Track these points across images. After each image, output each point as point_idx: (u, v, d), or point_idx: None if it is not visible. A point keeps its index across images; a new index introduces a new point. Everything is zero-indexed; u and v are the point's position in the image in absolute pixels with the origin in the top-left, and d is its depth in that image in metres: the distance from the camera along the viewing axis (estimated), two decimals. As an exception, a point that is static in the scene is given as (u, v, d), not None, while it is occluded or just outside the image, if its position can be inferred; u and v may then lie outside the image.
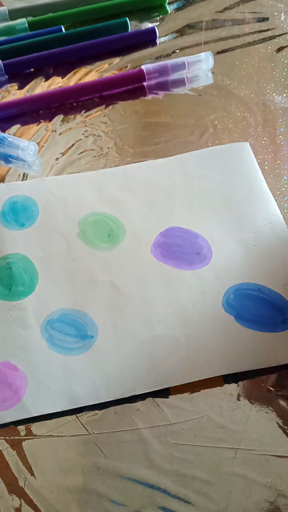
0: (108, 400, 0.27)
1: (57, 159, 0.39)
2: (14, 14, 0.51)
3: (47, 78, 0.45)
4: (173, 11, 0.51)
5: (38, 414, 0.27)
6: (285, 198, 0.35)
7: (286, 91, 0.42)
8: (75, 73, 0.46)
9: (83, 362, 0.29)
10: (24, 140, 0.38)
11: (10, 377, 0.28)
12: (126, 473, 0.25)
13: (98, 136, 0.40)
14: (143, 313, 0.30)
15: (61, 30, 0.48)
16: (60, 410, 0.27)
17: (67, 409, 0.27)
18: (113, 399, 0.27)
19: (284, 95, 0.42)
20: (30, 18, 0.50)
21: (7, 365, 0.29)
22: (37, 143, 0.40)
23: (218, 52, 0.46)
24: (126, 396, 0.27)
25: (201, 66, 0.43)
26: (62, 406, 0.27)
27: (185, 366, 0.28)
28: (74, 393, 0.28)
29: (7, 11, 0.50)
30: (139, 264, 0.32)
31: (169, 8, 0.51)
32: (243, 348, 0.29)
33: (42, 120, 0.42)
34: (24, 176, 0.38)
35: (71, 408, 0.27)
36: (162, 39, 0.48)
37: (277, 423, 0.26)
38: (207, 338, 0.29)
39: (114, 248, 0.33)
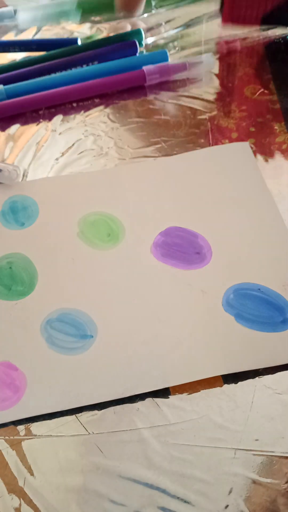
0: (108, 400, 0.27)
1: (57, 159, 0.39)
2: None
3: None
4: (173, 9, 0.51)
5: (37, 414, 0.27)
6: (285, 198, 0.35)
7: (286, 91, 0.42)
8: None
9: (83, 362, 0.29)
10: (7, 165, 0.37)
11: (10, 376, 0.28)
12: (126, 473, 0.25)
13: (98, 136, 0.40)
14: (142, 312, 0.30)
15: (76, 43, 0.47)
16: (59, 410, 0.27)
17: (66, 409, 0.27)
18: (113, 398, 0.27)
19: (284, 95, 0.42)
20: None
21: (6, 365, 0.29)
22: (21, 165, 0.39)
23: (218, 52, 0.46)
24: (125, 396, 0.27)
25: (202, 67, 0.43)
26: (62, 406, 0.27)
27: (185, 366, 0.28)
28: (73, 393, 0.28)
29: (13, 11, 0.51)
30: (139, 263, 0.32)
31: (169, 7, 0.51)
32: (243, 348, 0.28)
33: (42, 120, 0.42)
34: (24, 176, 0.38)
35: (71, 408, 0.27)
36: (163, 36, 0.48)
37: (277, 423, 0.26)
38: (207, 338, 0.29)
39: (114, 247, 0.33)
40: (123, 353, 0.29)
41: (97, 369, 0.28)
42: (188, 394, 0.27)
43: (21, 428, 0.27)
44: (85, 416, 0.27)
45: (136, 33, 0.47)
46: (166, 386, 0.27)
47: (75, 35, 0.50)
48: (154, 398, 0.27)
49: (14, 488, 0.25)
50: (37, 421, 0.27)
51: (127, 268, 0.32)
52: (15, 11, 0.51)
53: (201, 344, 0.29)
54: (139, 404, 0.27)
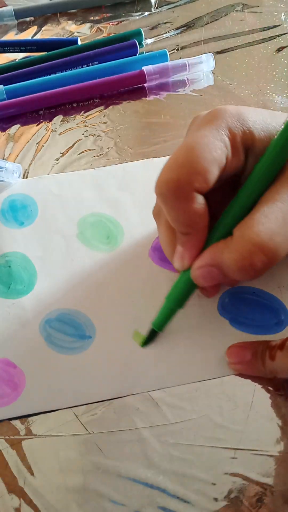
0: (107, 399, 0.27)
1: (57, 159, 0.39)
2: (19, 13, 0.51)
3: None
4: (172, 10, 0.51)
5: (35, 412, 0.27)
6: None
7: (286, 91, 0.42)
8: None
9: (82, 362, 0.29)
10: (8, 162, 0.37)
11: (8, 374, 0.28)
12: (126, 472, 0.25)
13: (98, 136, 0.40)
14: (140, 315, 0.30)
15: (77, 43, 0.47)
16: (57, 408, 0.27)
17: (64, 407, 0.27)
18: (112, 398, 0.27)
19: (284, 95, 0.42)
20: None
21: (5, 362, 0.29)
22: (21, 166, 0.39)
23: (218, 52, 0.46)
24: (124, 396, 0.27)
25: (202, 68, 0.43)
26: (60, 404, 0.27)
27: (182, 368, 0.28)
28: (72, 391, 0.28)
29: (12, 10, 0.51)
30: (137, 267, 0.32)
31: (168, 6, 0.51)
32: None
33: (42, 120, 0.42)
34: (24, 175, 0.38)
35: (69, 406, 0.27)
36: (163, 36, 0.48)
37: (277, 423, 0.26)
38: (203, 341, 0.29)
39: (113, 250, 0.33)
40: (122, 354, 0.29)
41: (96, 368, 0.28)
42: (188, 394, 0.27)
43: (21, 427, 0.27)
44: (85, 415, 0.27)
45: (136, 33, 0.47)
46: (163, 387, 0.27)
47: (75, 35, 0.50)
48: (154, 398, 0.27)
49: (14, 488, 0.25)
50: (37, 421, 0.27)
51: (126, 271, 0.32)
52: (15, 11, 0.51)
53: (198, 347, 0.29)
54: (139, 404, 0.27)
